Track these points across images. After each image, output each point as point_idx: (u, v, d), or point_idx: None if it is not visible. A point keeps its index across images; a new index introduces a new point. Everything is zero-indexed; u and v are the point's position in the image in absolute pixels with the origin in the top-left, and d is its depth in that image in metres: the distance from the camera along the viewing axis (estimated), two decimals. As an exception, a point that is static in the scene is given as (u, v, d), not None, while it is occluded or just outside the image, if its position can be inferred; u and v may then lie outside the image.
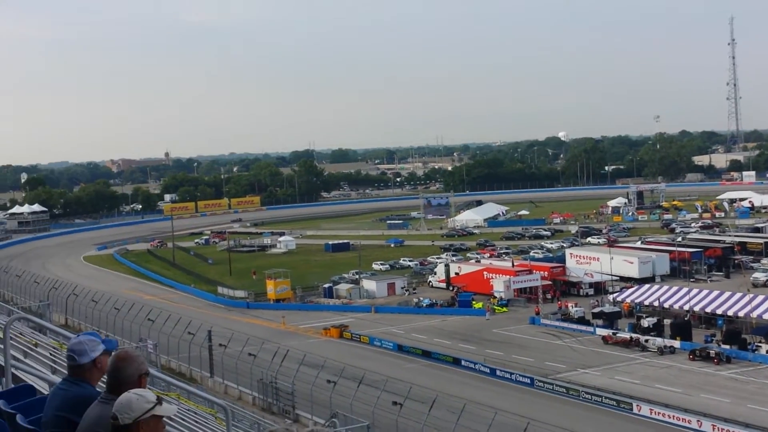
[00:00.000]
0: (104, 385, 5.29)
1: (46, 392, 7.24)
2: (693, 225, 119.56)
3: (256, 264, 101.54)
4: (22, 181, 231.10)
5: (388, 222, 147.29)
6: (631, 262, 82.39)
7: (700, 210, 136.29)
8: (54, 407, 5.29)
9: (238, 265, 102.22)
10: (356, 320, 71.10)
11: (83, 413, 5.02)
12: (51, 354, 17.10)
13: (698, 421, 40.87)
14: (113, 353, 5.34)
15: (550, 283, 78.70)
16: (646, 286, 71.32)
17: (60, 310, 70.88)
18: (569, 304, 70.05)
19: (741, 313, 60.39)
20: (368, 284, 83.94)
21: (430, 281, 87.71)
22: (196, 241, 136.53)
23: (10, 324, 8.45)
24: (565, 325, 65.42)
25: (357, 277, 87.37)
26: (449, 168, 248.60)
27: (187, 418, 18.00)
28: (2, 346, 8.22)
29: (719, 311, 61.99)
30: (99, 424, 4.84)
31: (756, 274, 78.88)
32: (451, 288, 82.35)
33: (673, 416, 42.11)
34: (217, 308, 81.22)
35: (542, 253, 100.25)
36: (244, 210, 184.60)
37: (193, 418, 19.19)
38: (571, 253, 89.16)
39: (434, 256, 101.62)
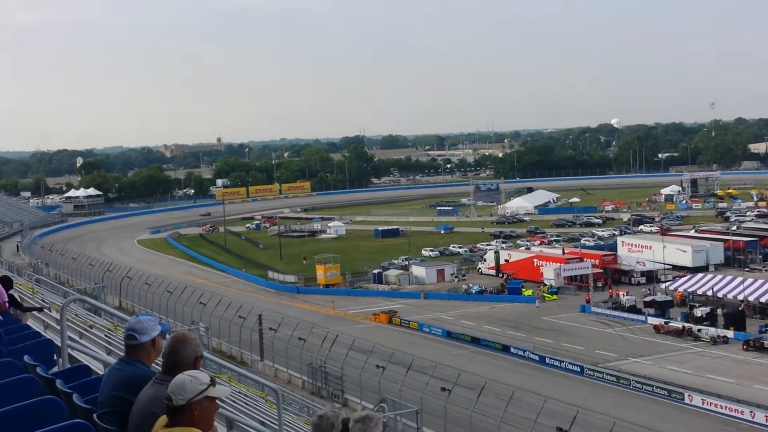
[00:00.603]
0: (159, 367, 5.31)
1: (101, 372, 7.32)
2: (748, 213, 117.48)
3: (306, 249, 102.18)
4: (78, 165, 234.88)
5: (438, 208, 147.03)
6: (685, 251, 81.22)
7: (755, 198, 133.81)
8: (110, 387, 5.33)
9: (289, 250, 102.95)
10: (405, 306, 71.16)
11: (138, 393, 5.07)
12: (106, 335, 17.35)
13: (751, 412, 40.19)
14: (171, 335, 5.36)
15: (601, 271, 77.94)
16: (700, 275, 70.26)
17: (114, 292, 72.08)
18: (620, 293, 69.34)
19: (797, 304, 59.25)
20: (418, 270, 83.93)
21: (479, 268, 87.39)
22: (247, 225, 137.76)
23: (66, 305, 8.56)
24: (616, 313, 64.73)
25: (406, 263, 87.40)
26: (500, 154, 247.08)
27: (238, 400, 18.19)
28: (59, 327, 8.33)
29: (775, 301, 60.86)
30: (153, 404, 4.88)
31: (814, 264, 77.26)
32: (500, 275, 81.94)
33: (726, 407, 41.45)
34: (268, 293, 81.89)
35: (593, 240, 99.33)
36: (294, 195, 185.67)
37: (244, 400, 19.39)
38: (623, 241, 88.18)
39: (484, 243, 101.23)
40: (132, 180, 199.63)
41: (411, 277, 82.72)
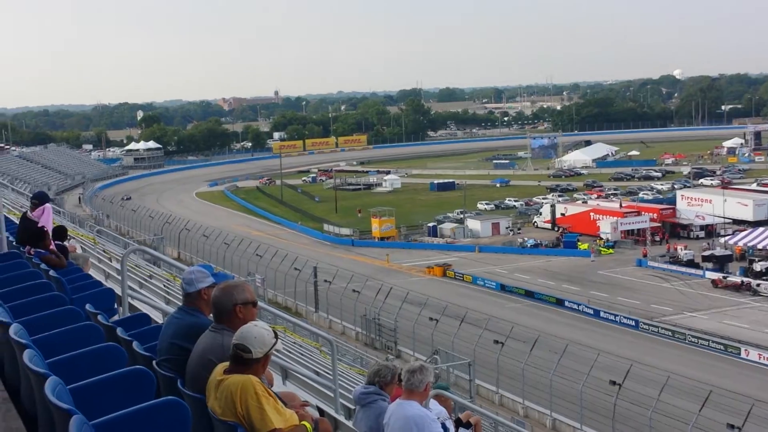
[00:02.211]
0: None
1: (160, 321, 7.55)
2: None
3: (362, 202, 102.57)
4: (138, 118, 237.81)
5: (494, 162, 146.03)
6: (746, 205, 79.81)
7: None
8: (168, 335, 5.48)
9: (344, 203, 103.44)
10: (460, 259, 71.27)
11: (195, 341, 5.21)
12: (164, 285, 17.87)
13: (809, 367, 39.82)
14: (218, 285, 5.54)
15: (659, 225, 77.06)
16: (761, 229, 69.06)
17: (173, 244, 73.32)
18: (678, 247, 68.58)
19: None
20: (473, 224, 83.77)
21: (535, 221, 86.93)
22: (303, 179, 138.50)
23: (127, 255, 8.87)
24: (674, 267, 64.08)
25: (462, 216, 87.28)
26: (558, 107, 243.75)
27: (293, 350, 18.64)
28: (120, 277, 8.65)
29: (838, 256, 59.72)
30: (211, 352, 5.04)
31: None
32: (556, 229, 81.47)
33: (783, 362, 41.10)
34: (323, 245, 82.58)
35: (652, 194, 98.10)
36: (350, 149, 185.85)
37: (299, 350, 19.85)
38: (682, 195, 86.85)
39: (540, 197, 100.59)
40: (191, 133, 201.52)
41: (466, 230, 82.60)
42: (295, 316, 43.09)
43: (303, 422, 4.89)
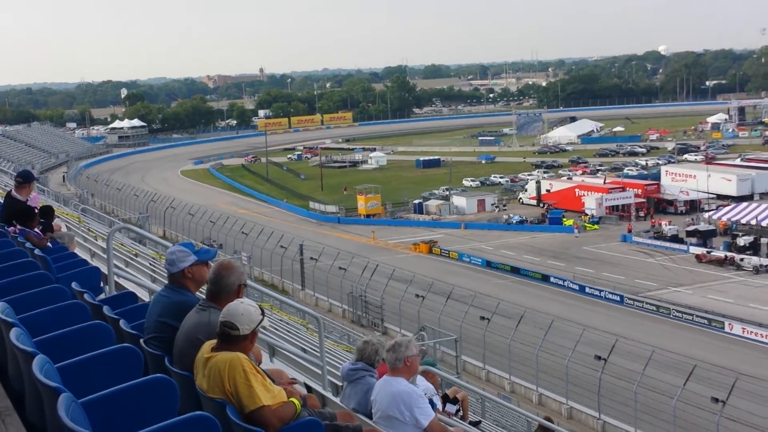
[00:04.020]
0: (202, 294, 5.54)
1: (146, 299, 7.56)
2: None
3: (348, 179, 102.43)
4: (122, 96, 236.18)
5: (480, 138, 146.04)
6: (729, 180, 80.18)
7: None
8: (156, 313, 5.50)
9: (330, 181, 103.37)
10: (445, 236, 71.39)
11: (183, 319, 5.24)
12: (150, 263, 17.84)
13: (792, 341, 40.21)
14: (217, 262, 5.55)
15: (643, 200, 77.37)
16: (744, 204, 69.45)
17: (158, 222, 73.16)
18: (663, 222, 68.89)
19: (843, 233, 58.53)
20: (458, 200, 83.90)
21: (520, 198, 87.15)
22: (288, 156, 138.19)
23: (112, 234, 8.84)
24: (658, 243, 64.42)
25: (447, 193, 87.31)
26: (543, 84, 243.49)
27: (280, 327, 18.66)
28: (105, 255, 8.63)
29: (820, 230, 60.16)
30: (198, 330, 5.08)
31: None
32: (541, 205, 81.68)
33: (766, 335, 41.44)
34: (309, 223, 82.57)
35: (636, 170, 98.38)
36: (336, 126, 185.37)
37: (286, 327, 19.88)
38: (666, 171, 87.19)
39: (525, 173, 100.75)
40: (175, 111, 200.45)
41: (451, 207, 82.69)
42: (281, 294, 43.14)
43: (291, 399, 4.90)
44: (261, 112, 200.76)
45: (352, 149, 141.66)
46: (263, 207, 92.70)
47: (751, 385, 30.39)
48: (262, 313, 4.99)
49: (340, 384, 7.90)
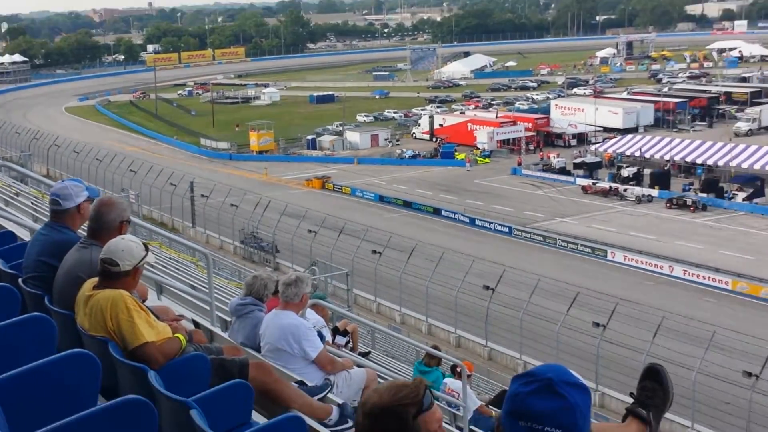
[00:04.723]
0: (84, 231, 5.47)
1: (26, 239, 7.42)
2: (680, 75, 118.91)
3: (240, 116, 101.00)
4: (2, 30, 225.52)
5: (374, 74, 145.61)
6: (616, 113, 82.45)
7: (688, 60, 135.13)
8: (35, 252, 5.42)
9: (221, 117, 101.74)
10: (339, 171, 71.47)
11: (63, 258, 5.17)
12: (32, 203, 17.32)
13: (670, 266, 42.05)
14: (98, 199, 5.47)
15: (533, 134, 78.88)
16: (629, 136, 71.68)
17: (41, 160, 70.68)
18: (551, 155, 70.51)
19: (720, 163, 61.09)
20: (352, 136, 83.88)
21: (413, 133, 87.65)
22: (179, 92, 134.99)
23: (-8, 172, 8.59)
24: (546, 175, 66.06)
25: (340, 129, 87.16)
26: (438, 19, 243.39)
27: (169, 265, 18.48)
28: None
29: (699, 161, 62.63)
30: (79, 268, 5.02)
31: (739, 124, 79.13)
32: (434, 139, 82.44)
33: (646, 262, 43.27)
34: (200, 160, 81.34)
35: (527, 104, 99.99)
36: (228, 61, 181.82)
37: (175, 265, 19.69)
38: (556, 105, 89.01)
39: (419, 108, 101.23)
40: (59, 46, 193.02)
41: (345, 142, 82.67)
42: (171, 232, 42.66)
43: (176, 335, 4.92)
44: (150, 47, 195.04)
45: (245, 85, 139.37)
46: (152, 144, 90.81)
47: (629, 309, 31.78)
48: (146, 249, 4.97)
49: (229, 319, 7.96)
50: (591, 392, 2.33)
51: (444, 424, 8.73)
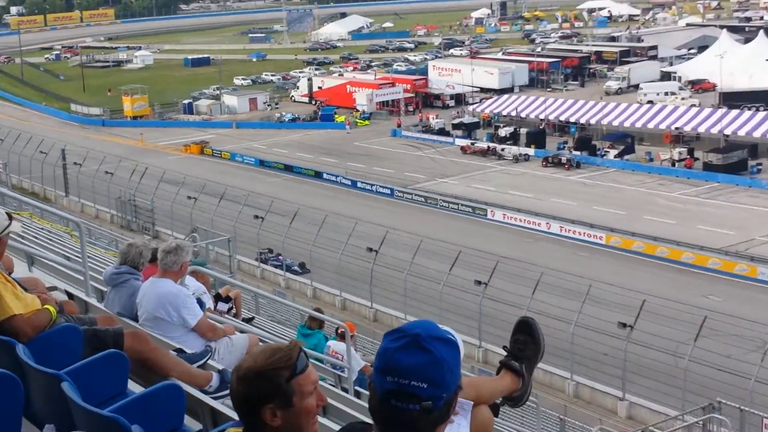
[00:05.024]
0: None
1: None
2: (553, 35, 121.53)
3: (112, 80, 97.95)
4: None
5: (250, 36, 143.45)
6: (492, 73, 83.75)
7: (560, 20, 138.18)
8: None
9: (92, 82, 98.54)
10: (217, 136, 70.41)
11: None
12: None
13: (547, 223, 43.19)
14: None
15: (412, 95, 79.43)
16: (505, 96, 73.00)
17: None
18: (430, 116, 71.18)
19: (593, 121, 62.92)
20: (229, 100, 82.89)
21: (292, 96, 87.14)
22: (46, 56, 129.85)
23: None
24: (426, 136, 66.72)
25: (218, 92, 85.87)
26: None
27: (40, 236, 17.78)
28: None
29: (572, 119, 64.36)
30: None
31: (609, 83, 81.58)
32: (313, 102, 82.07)
33: (524, 220, 44.33)
34: (71, 126, 78.80)
35: (405, 65, 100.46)
36: (96, 23, 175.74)
37: (47, 236, 18.96)
38: (434, 66, 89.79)
39: (297, 71, 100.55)
40: None
41: (223, 106, 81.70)
42: (43, 202, 41.08)
43: (46, 306, 4.80)
44: (13, 9, 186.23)
45: (116, 48, 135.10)
46: (20, 111, 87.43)
47: (510, 267, 32.45)
48: (9, 219, 4.74)
49: (104, 290, 7.68)
50: (460, 347, 2.32)
51: (329, 386, 8.70)
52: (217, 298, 11.04)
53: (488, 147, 61.13)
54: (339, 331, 12.08)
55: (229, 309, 10.97)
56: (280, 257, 38.19)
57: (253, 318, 14.74)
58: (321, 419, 4.90)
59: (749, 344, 26.21)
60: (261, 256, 38.46)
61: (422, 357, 2.16)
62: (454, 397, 2.22)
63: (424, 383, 2.15)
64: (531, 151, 59.43)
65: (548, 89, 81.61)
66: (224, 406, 4.49)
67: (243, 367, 2.50)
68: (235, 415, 2.66)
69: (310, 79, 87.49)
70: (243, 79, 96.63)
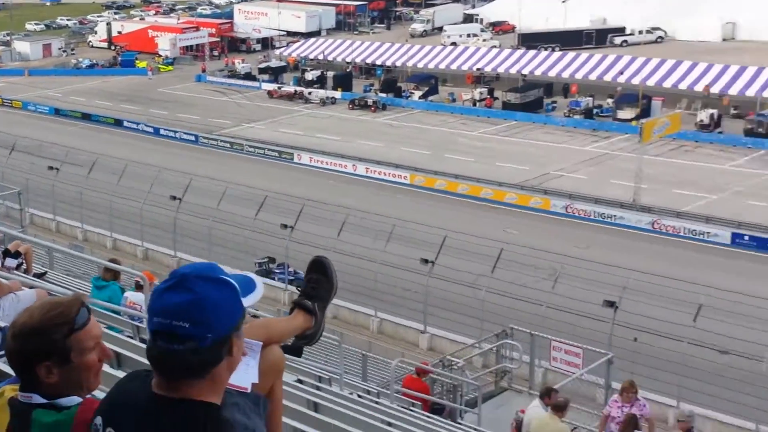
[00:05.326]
0: None
1: None
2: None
3: None
4: None
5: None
6: (299, 17, 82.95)
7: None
8: None
9: None
10: (8, 85, 66.27)
11: None
12: None
13: (353, 165, 43.42)
14: None
15: (217, 40, 77.56)
16: (312, 39, 72.45)
17: None
18: (236, 61, 69.83)
19: (398, 63, 63.50)
20: (21, 46, 78.51)
21: (90, 41, 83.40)
22: None
23: None
24: (232, 81, 65.42)
25: (8, 38, 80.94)
26: None
27: None
28: None
29: (378, 62, 64.74)
30: None
31: (414, 25, 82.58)
32: (113, 48, 78.66)
33: (331, 162, 44.37)
34: None
35: (210, 9, 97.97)
36: None
37: None
38: (239, 9, 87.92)
39: (95, 15, 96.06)
40: None
41: (13, 53, 77.21)
42: None
43: None
44: None
45: None
46: None
47: (316, 210, 32.34)
48: None
49: None
50: (238, 289, 2.17)
51: (126, 338, 8.20)
52: (5, 253, 10.78)
53: (295, 91, 60.62)
54: (137, 282, 11.71)
55: (19, 265, 10.75)
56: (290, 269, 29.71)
57: (45, 273, 13.92)
58: (115, 371, 4.75)
59: (542, 273, 27.27)
60: (261, 267, 30.62)
61: (184, 296, 2.08)
62: (227, 337, 2.12)
63: (186, 323, 2.06)
64: (338, 94, 59.39)
65: (355, 32, 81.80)
66: (4, 364, 4.03)
67: (18, 322, 2.38)
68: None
69: (109, 24, 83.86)
70: (36, 24, 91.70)
